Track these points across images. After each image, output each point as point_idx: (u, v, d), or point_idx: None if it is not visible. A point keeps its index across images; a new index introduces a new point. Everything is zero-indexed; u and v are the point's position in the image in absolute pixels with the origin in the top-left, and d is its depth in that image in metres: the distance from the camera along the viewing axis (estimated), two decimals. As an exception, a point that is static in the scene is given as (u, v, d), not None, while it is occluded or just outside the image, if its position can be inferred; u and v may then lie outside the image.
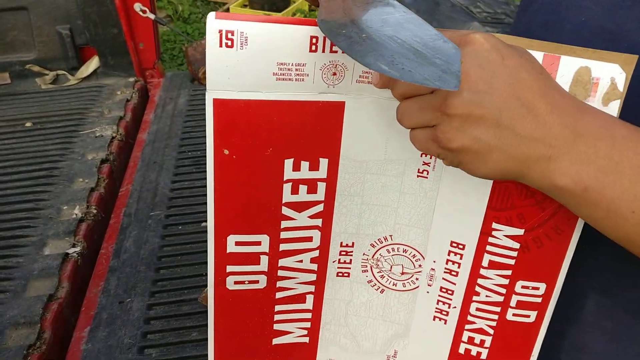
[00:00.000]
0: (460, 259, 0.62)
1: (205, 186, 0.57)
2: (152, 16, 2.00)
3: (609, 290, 0.59)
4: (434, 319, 0.67)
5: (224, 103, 0.53)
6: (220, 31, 0.49)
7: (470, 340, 0.66)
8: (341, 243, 0.64)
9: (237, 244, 0.61)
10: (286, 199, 0.59)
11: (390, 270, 0.66)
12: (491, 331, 0.65)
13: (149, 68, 2.22)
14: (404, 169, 0.60)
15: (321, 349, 0.71)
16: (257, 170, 0.57)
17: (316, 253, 0.64)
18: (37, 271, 1.35)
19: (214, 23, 0.49)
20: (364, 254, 0.65)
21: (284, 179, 0.58)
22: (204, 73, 2.19)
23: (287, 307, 0.67)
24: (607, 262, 0.58)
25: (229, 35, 0.50)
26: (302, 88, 0.53)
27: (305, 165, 0.58)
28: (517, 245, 0.59)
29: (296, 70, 0.52)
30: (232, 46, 0.50)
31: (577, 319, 0.62)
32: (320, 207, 0.61)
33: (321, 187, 0.60)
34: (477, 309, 0.64)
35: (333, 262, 0.66)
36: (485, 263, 0.61)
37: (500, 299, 0.62)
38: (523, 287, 0.61)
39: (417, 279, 0.66)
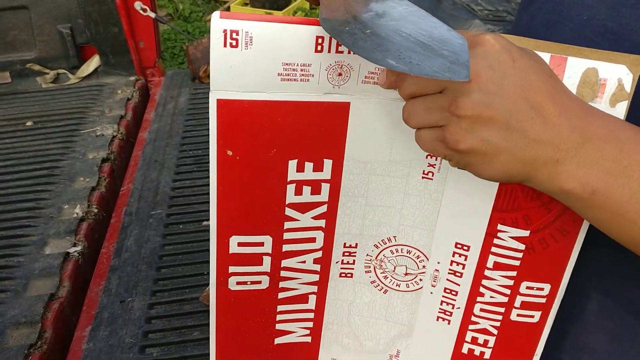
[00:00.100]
0: (465, 260, 0.62)
1: (207, 185, 0.56)
2: (152, 15, 2.00)
3: (611, 291, 0.59)
4: (437, 319, 0.67)
5: (227, 103, 0.52)
6: (224, 31, 0.49)
7: (474, 341, 0.66)
8: (344, 244, 0.64)
9: (240, 244, 0.60)
10: (290, 200, 0.59)
11: (393, 271, 0.65)
12: (495, 331, 0.64)
13: (149, 67, 2.22)
14: (408, 171, 0.59)
15: (323, 348, 0.71)
16: (260, 171, 0.56)
17: (319, 254, 0.64)
18: (38, 270, 1.35)
19: (218, 22, 0.49)
20: (367, 254, 0.65)
21: (288, 179, 0.57)
22: (205, 71, 2.19)
23: (290, 307, 0.67)
24: (609, 263, 0.58)
25: (234, 35, 0.49)
26: (307, 88, 0.53)
27: (309, 166, 0.57)
28: (522, 247, 0.59)
29: (301, 70, 0.51)
30: (236, 46, 0.49)
31: (579, 318, 0.62)
32: (324, 208, 0.61)
33: (325, 188, 0.59)
34: (481, 310, 0.64)
35: (336, 262, 0.65)
36: (490, 264, 0.61)
37: (505, 299, 0.62)
38: (528, 287, 0.61)
39: (420, 279, 0.65)
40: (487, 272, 0.61)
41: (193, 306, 1.34)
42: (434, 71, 0.41)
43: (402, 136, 0.56)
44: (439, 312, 0.66)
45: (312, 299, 0.67)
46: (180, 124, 1.97)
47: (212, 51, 0.49)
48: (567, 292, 0.60)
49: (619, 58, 0.49)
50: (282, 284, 0.64)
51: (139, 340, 1.25)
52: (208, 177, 0.56)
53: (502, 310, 0.63)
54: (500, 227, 0.59)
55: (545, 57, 0.50)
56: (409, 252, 0.64)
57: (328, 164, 0.58)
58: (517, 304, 0.62)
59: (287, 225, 0.60)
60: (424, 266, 0.64)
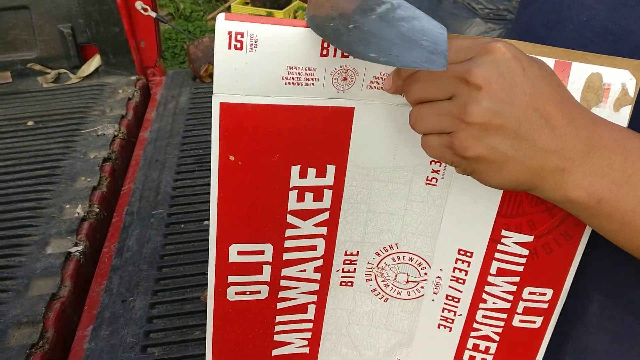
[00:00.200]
0: (468, 266, 0.61)
1: (208, 184, 0.56)
2: (153, 14, 2.00)
3: (611, 291, 0.59)
4: (438, 327, 0.66)
5: (231, 107, 0.51)
6: (229, 33, 0.48)
7: (475, 347, 0.65)
8: (346, 252, 0.63)
9: (240, 253, 0.59)
10: (291, 206, 0.58)
11: (395, 279, 0.65)
12: (497, 338, 0.64)
13: (150, 66, 2.22)
14: (412, 177, 0.59)
15: (322, 359, 0.70)
16: (262, 177, 0.55)
17: (320, 262, 0.63)
18: (40, 270, 1.35)
19: (223, 24, 0.48)
20: (368, 262, 0.64)
21: (290, 186, 0.57)
22: (206, 71, 2.19)
23: (288, 318, 0.66)
24: (609, 263, 0.58)
25: (239, 37, 0.48)
26: (311, 93, 0.52)
27: (312, 172, 0.56)
28: (526, 252, 0.59)
29: (306, 74, 0.51)
30: (241, 48, 0.49)
31: (580, 320, 0.62)
32: (325, 215, 0.60)
33: (327, 194, 0.58)
34: (484, 316, 0.63)
35: (337, 271, 0.64)
36: (493, 270, 0.60)
37: (507, 305, 0.62)
38: (530, 293, 0.61)
39: (422, 287, 0.65)
40: (490, 279, 0.61)
41: (194, 305, 1.34)
42: (413, 62, 0.41)
43: (406, 142, 0.56)
44: (441, 319, 0.65)
45: (312, 309, 0.66)
46: (181, 124, 1.97)
47: (217, 53, 0.49)
48: (568, 294, 0.60)
49: (622, 63, 0.49)
50: (281, 294, 0.63)
51: (141, 340, 1.25)
52: (209, 176, 0.55)
53: (504, 316, 0.62)
54: (504, 232, 0.58)
55: (550, 62, 0.49)
56: (410, 259, 0.63)
57: (331, 169, 0.57)
58: (519, 309, 0.62)
59: (289, 232, 0.59)
60: (425, 273, 0.64)
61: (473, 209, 0.58)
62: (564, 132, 0.44)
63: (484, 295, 0.62)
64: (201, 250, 1.48)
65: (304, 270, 0.62)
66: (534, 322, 0.62)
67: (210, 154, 0.54)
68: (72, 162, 1.73)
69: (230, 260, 0.59)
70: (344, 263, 0.64)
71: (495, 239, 0.59)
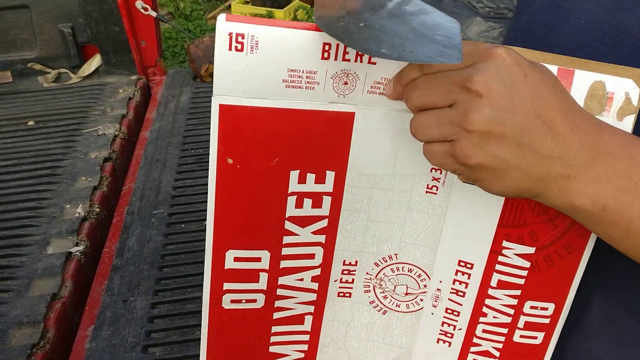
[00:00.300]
0: (468, 278, 0.60)
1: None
2: (153, 14, 2.00)
3: (612, 295, 0.59)
4: (437, 342, 0.65)
5: (230, 109, 0.51)
6: (230, 34, 0.47)
7: None
8: (344, 261, 0.62)
9: (236, 259, 0.58)
10: (290, 213, 0.57)
11: (393, 291, 0.63)
12: (497, 353, 0.63)
13: (151, 66, 2.22)
14: (412, 185, 0.57)
15: None
16: (261, 181, 0.55)
17: (318, 271, 0.61)
18: (41, 270, 1.35)
19: (224, 25, 0.47)
20: (367, 273, 0.63)
21: (289, 191, 0.56)
22: (206, 70, 2.19)
23: (285, 329, 0.64)
24: (609, 267, 0.57)
25: (239, 39, 0.48)
26: (312, 97, 0.51)
27: (311, 177, 0.56)
28: (527, 264, 0.58)
29: (307, 77, 0.50)
30: (242, 50, 0.48)
31: (581, 325, 0.61)
32: (324, 223, 0.59)
33: (326, 201, 0.57)
34: (484, 331, 0.62)
35: (335, 281, 0.63)
36: (494, 283, 0.59)
37: (508, 320, 0.61)
38: (532, 307, 0.60)
39: (421, 299, 0.64)
40: (490, 291, 0.60)
41: (195, 305, 1.34)
42: (427, 56, 0.40)
43: (407, 149, 0.55)
44: (440, 333, 0.64)
45: (308, 320, 0.65)
46: (181, 123, 1.96)
47: (217, 55, 0.48)
48: None
49: (626, 72, 0.49)
50: (277, 303, 0.62)
51: (142, 340, 1.25)
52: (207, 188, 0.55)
53: (505, 331, 0.61)
54: (505, 243, 0.57)
55: (552, 69, 0.49)
56: (410, 270, 0.62)
57: (330, 176, 0.56)
58: (520, 324, 0.61)
59: (286, 240, 0.59)
60: (425, 285, 0.63)
61: (474, 218, 0.57)
62: (568, 138, 0.44)
63: (485, 309, 0.61)
64: (202, 250, 1.46)
65: (301, 280, 0.61)
66: (535, 337, 0.61)
67: (209, 161, 0.54)
68: (72, 162, 1.72)
69: (226, 267, 0.58)
70: (342, 273, 0.63)
71: (496, 250, 0.58)
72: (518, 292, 0.59)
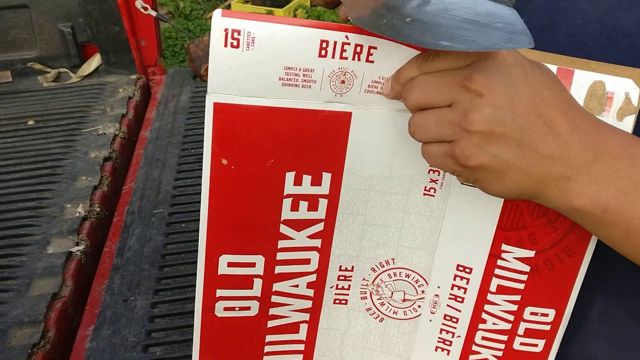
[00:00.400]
0: (467, 283, 0.59)
1: None
2: (153, 13, 2.00)
3: (611, 298, 0.58)
4: (435, 350, 0.63)
5: (225, 108, 0.49)
6: (226, 30, 0.46)
7: None
8: (340, 267, 0.60)
9: (230, 265, 0.57)
10: (285, 216, 0.55)
11: (391, 297, 0.62)
12: None
13: (151, 65, 2.22)
14: (409, 187, 0.56)
15: None
16: (256, 183, 0.53)
17: (313, 277, 0.60)
18: (41, 270, 1.35)
19: (219, 21, 0.46)
20: (363, 279, 0.61)
21: (284, 193, 0.54)
22: (206, 70, 2.19)
23: (279, 338, 0.63)
24: (609, 270, 0.57)
25: (235, 35, 0.46)
26: (308, 95, 0.50)
27: (307, 179, 0.54)
28: (527, 269, 0.57)
29: (303, 75, 0.49)
30: (237, 46, 0.47)
31: (580, 326, 0.61)
32: (320, 226, 0.57)
33: (322, 204, 0.56)
34: (483, 338, 0.61)
35: (330, 287, 0.61)
36: (493, 288, 0.58)
37: (508, 326, 0.60)
38: (532, 313, 0.59)
39: (419, 306, 0.62)
40: (490, 297, 0.59)
41: (196, 305, 1.34)
42: (494, 44, 0.39)
43: (405, 150, 0.54)
44: (438, 341, 0.63)
45: (304, 329, 0.63)
46: (181, 123, 1.96)
47: (212, 51, 0.47)
48: None
49: (625, 72, 0.49)
50: (272, 311, 0.61)
51: (142, 339, 1.25)
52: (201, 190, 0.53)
53: (504, 338, 0.60)
54: (504, 247, 0.57)
55: (552, 69, 0.48)
56: (407, 275, 0.61)
57: (327, 177, 0.55)
58: (520, 331, 0.59)
59: (281, 244, 0.57)
60: (423, 291, 0.61)
61: (472, 221, 0.56)
62: (568, 139, 0.43)
63: (484, 315, 0.60)
64: (202, 249, 1.48)
65: (297, 286, 0.60)
66: (536, 345, 0.60)
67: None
68: (72, 162, 1.72)
69: (219, 272, 0.57)
70: (338, 279, 0.61)
71: (495, 254, 0.57)
72: (518, 298, 0.58)
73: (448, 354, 0.63)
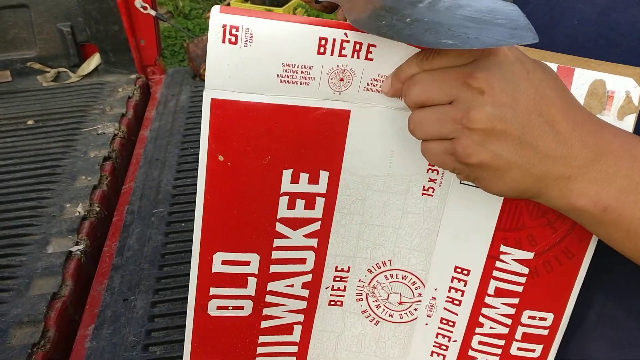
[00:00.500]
0: (464, 286, 0.58)
1: None
2: (153, 12, 2.00)
3: (610, 298, 0.58)
4: (431, 354, 0.63)
5: (222, 104, 0.49)
6: (224, 26, 0.46)
7: None
8: (336, 267, 0.60)
9: (224, 262, 0.56)
10: (281, 214, 0.55)
11: (387, 299, 0.61)
12: None
13: (150, 65, 2.22)
14: (408, 186, 0.56)
15: None
16: (252, 180, 0.53)
17: (309, 277, 0.59)
18: (41, 269, 1.35)
19: (217, 17, 0.46)
20: (359, 280, 0.61)
21: (281, 191, 0.54)
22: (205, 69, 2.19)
23: (272, 339, 0.62)
24: (608, 270, 0.57)
25: (233, 31, 0.46)
26: (306, 92, 0.50)
27: (304, 177, 0.54)
28: (526, 271, 0.56)
29: (302, 72, 0.48)
30: (235, 43, 0.46)
31: (580, 327, 0.61)
32: (316, 225, 0.57)
33: (319, 202, 0.55)
34: (480, 342, 0.60)
35: (326, 288, 0.61)
36: (491, 290, 0.58)
37: (505, 330, 0.59)
38: (530, 317, 0.58)
39: (415, 309, 0.62)
40: (487, 300, 0.58)
41: (196, 304, 1.34)
42: (497, 40, 0.39)
43: (403, 149, 0.53)
44: (434, 345, 0.62)
45: (297, 330, 0.62)
46: (181, 122, 1.96)
47: (210, 47, 0.47)
48: None
49: (626, 71, 0.49)
50: (266, 311, 0.60)
51: (142, 339, 1.25)
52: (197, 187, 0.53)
53: (501, 343, 0.60)
54: (503, 248, 0.56)
55: (552, 67, 0.48)
56: (404, 277, 0.60)
57: (324, 176, 0.54)
58: (518, 336, 0.59)
59: (277, 242, 0.56)
60: (419, 294, 0.61)
61: (471, 221, 0.56)
62: (569, 137, 0.43)
63: (481, 319, 0.59)
64: (202, 248, 1.48)
65: (291, 286, 0.59)
66: (533, 350, 0.59)
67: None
68: (72, 161, 1.72)
69: (213, 271, 0.56)
70: (334, 280, 0.60)
71: (493, 255, 0.57)
72: (516, 301, 0.58)
73: (444, 358, 0.63)
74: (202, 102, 0.49)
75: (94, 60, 2.17)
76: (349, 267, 0.60)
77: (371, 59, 0.49)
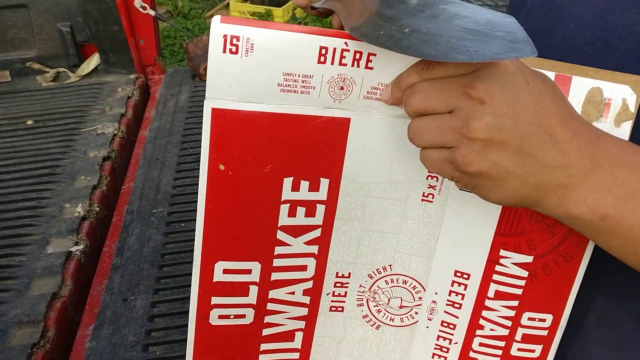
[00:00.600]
0: (465, 289, 0.59)
1: None
2: (152, 12, 2.00)
3: (610, 300, 0.59)
4: (432, 357, 0.63)
5: (223, 113, 0.49)
6: (225, 36, 0.46)
7: None
8: (337, 273, 0.60)
9: (226, 271, 0.56)
10: (282, 221, 0.55)
11: (387, 304, 0.62)
12: None
13: (149, 65, 2.22)
14: (407, 192, 0.56)
15: None
16: (253, 188, 0.53)
17: (310, 284, 0.60)
18: (41, 270, 1.35)
19: (218, 27, 0.46)
20: (360, 285, 0.61)
21: (282, 199, 0.54)
22: (205, 69, 2.19)
23: (274, 346, 0.62)
24: (607, 272, 0.57)
25: (234, 41, 0.46)
26: (307, 101, 0.50)
27: (305, 185, 0.54)
28: (525, 274, 0.57)
29: (302, 82, 0.49)
30: (236, 52, 0.47)
31: (579, 329, 0.61)
32: (317, 232, 0.57)
33: (320, 209, 0.56)
34: (481, 344, 0.61)
35: (327, 294, 0.61)
36: (491, 294, 0.58)
37: (506, 332, 0.60)
38: (529, 319, 0.59)
39: (416, 312, 0.62)
40: (487, 303, 0.59)
41: (195, 304, 1.34)
42: (496, 54, 0.39)
43: (403, 156, 0.54)
44: (435, 348, 0.63)
45: (299, 337, 0.63)
46: (180, 122, 1.96)
47: (211, 57, 0.47)
48: None
49: (622, 78, 0.49)
50: (267, 319, 0.60)
51: (142, 339, 1.25)
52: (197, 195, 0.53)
53: (502, 344, 0.60)
54: (502, 252, 0.57)
55: (550, 75, 0.48)
56: (405, 282, 0.60)
57: (325, 183, 0.55)
58: (518, 337, 0.59)
59: (278, 250, 0.57)
60: (420, 298, 0.61)
61: (470, 227, 0.56)
62: (568, 147, 0.44)
63: (481, 321, 0.60)
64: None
65: (293, 293, 0.60)
66: (533, 350, 0.60)
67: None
68: (72, 161, 1.72)
69: (215, 280, 0.57)
70: (335, 286, 0.61)
71: (493, 259, 0.57)
72: (516, 303, 0.58)
73: None
74: (203, 110, 0.49)
75: (94, 61, 2.18)
76: (349, 273, 0.60)
77: (371, 68, 0.49)
